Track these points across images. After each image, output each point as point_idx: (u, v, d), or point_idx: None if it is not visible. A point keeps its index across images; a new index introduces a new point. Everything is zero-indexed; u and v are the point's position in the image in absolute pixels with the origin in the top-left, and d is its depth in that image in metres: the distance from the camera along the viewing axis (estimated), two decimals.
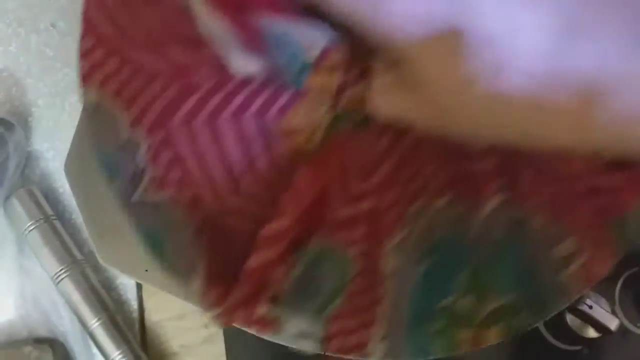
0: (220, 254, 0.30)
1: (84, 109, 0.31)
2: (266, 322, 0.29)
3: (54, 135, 0.49)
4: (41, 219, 0.44)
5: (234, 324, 0.29)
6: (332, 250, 0.31)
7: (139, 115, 0.31)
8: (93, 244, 0.34)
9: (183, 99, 0.31)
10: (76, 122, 0.36)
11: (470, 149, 0.31)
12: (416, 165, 0.31)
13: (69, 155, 0.36)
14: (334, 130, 0.31)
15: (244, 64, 0.30)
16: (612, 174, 0.31)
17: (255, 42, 0.30)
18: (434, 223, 0.31)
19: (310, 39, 0.30)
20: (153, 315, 0.46)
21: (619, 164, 0.32)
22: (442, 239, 0.31)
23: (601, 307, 0.41)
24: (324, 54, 0.30)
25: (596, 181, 0.31)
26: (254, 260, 0.28)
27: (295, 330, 0.30)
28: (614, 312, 0.40)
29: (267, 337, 0.30)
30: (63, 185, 0.48)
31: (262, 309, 0.29)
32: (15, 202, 0.45)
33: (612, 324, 0.39)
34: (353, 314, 0.30)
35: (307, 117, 0.31)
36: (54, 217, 0.46)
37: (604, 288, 0.41)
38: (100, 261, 0.34)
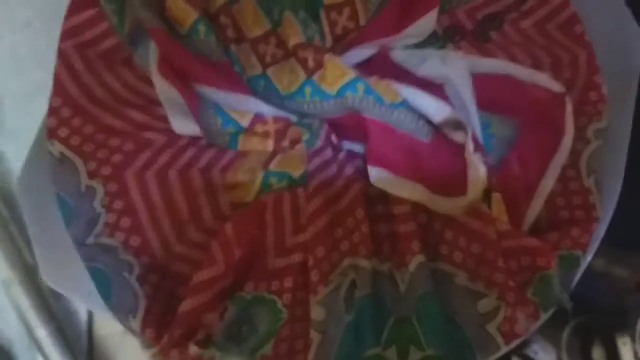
0: (163, 296, 0.33)
1: (51, 157, 0.34)
2: None
3: (17, 137, 0.48)
4: None
5: None
6: (264, 297, 0.33)
7: (97, 167, 0.34)
8: (38, 261, 0.34)
9: (137, 154, 0.34)
10: (39, 126, 0.37)
11: (396, 213, 0.34)
12: (345, 226, 0.34)
13: (23, 172, 0.36)
14: (268, 188, 0.34)
15: (183, 125, 0.34)
16: (531, 239, 0.33)
17: (193, 107, 0.33)
18: (361, 279, 0.33)
19: (242, 107, 0.33)
20: (101, 329, 0.45)
21: (538, 232, 0.34)
22: (367, 293, 0.33)
23: (547, 354, 0.42)
24: (254, 121, 0.33)
25: (517, 243, 0.33)
26: (186, 305, 0.31)
27: None
28: (559, 359, 0.41)
29: None
30: None
31: (194, 350, 0.31)
32: None
33: None
34: (282, 358, 0.32)
35: (246, 174, 0.34)
36: (9, 220, 0.45)
37: (551, 334, 0.42)
38: (44, 279, 0.34)
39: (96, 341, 0.45)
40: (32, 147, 0.37)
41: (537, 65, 0.37)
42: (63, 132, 0.34)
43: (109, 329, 0.45)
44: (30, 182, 0.36)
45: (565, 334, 0.43)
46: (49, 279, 0.34)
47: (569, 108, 0.36)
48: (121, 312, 0.32)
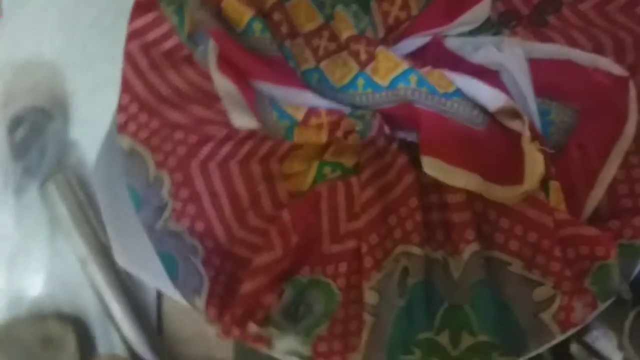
0: (224, 277, 0.35)
1: (121, 149, 0.37)
2: (259, 339, 0.33)
3: (90, 126, 0.50)
4: (74, 204, 0.47)
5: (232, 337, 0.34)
6: (320, 281, 0.35)
7: (163, 159, 0.37)
8: (111, 243, 0.37)
9: (200, 147, 0.37)
10: (110, 116, 0.39)
11: (450, 202, 0.34)
12: (399, 214, 0.35)
13: (97, 162, 0.40)
14: (322, 177, 0.35)
15: (241, 119, 0.36)
16: (590, 228, 0.32)
17: (251, 101, 0.35)
18: (413, 266, 0.34)
19: (296, 101, 0.35)
20: (170, 302, 0.46)
21: (599, 220, 0.33)
22: (420, 280, 0.34)
23: (608, 340, 0.41)
24: (308, 114, 0.35)
25: (575, 232, 0.33)
26: (246, 287, 0.33)
27: (285, 348, 0.34)
28: (620, 346, 0.40)
29: (262, 350, 0.34)
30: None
31: (253, 328, 0.33)
32: (51, 187, 0.47)
33: (616, 357, 0.39)
34: (337, 338, 0.34)
35: (301, 164, 0.36)
36: (85, 204, 0.47)
37: (613, 321, 0.41)
38: (117, 261, 0.37)
39: (165, 313, 0.48)
40: (105, 139, 0.40)
41: (598, 49, 0.36)
42: (132, 127, 0.37)
43: (177, 304, 0.45)
44: (104, 171, 0.39)
45: (629, 321, 0.41)
46: (120, 259, 0.37)
47: (632, 93, 0.34)
48: (187, 291, 0.34)
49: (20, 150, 0.50)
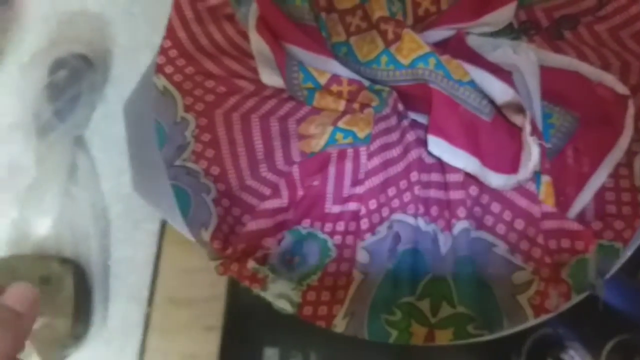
0: (231, 219, 0.38)
1: (156, 89, 0.40)
2: (255, 279, 0.35)
3: (121, 86, 0.53)
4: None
5: (230, 274, 0.36)
6: (317, 235, 0.37)
7: (192, 102, 0.39)
8: (131, 174, 0.39)
9: (227, 97, 0.40)
10: (146, 68, 0.41)
11: (448, 181, 0.37)
12: (399, 186, 0.37)
13: (129, 98, 0.41)
14: (334, 142, 0.38)
15: (269, 77, 0.39)
16: (573, 223, 0.35)
17: (281, 62, 0.38)
18: (406, 234, 0.36)
19: (322, 67, 0.38)
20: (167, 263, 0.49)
21: (584, 222, 0.36)
22: (410, 248, 0.36)
23: None
24: (330, 81, 0.38)
25: (559, 225, 0.35)
26: (251, 226, 0.36)
27: (278, 291, 0.36)
28: None
29: (255, 291, 0.36)
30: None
31: (251, 264, 0.35)
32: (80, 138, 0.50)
33: None
34: (326, 289, 0.36)
35: (317, 128, 0.38)
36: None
37: (593, 345, 0.43)
38: (134, 190, 0.39)
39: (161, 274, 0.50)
40: (139, 81, 0.42)
41: (605, 67, 0.39)
42: (169, 69, 0.40)
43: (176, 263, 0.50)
44: (134, 110, 0.41)
45: (607, 349, 0.43)
46: (137, 190, 0.39)
47: (630, 110, 0.37)
48: (195, 225, 0.36)
49: (55, 93, 0.52)
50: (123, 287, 0.51)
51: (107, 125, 0.54)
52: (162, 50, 0.40)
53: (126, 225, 0.52)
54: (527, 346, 0.44)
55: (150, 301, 0.49)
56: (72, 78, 0.52)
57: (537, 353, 0.44)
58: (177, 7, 0.41)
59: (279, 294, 0.36)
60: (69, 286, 0.48)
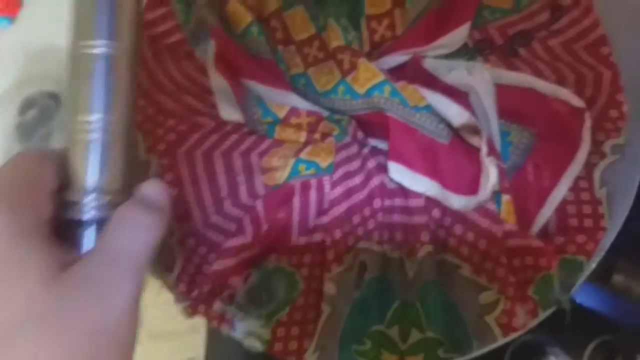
0: (196, 259, 0.38)
1: None
2: (223, 319, 0.36)
3: None
4: None
5: (197, 316, 0.36)
6: (285, 269, 0.37)
7: (154, 143, 0.39)
8: None
9: (188, 135, 0.40)
10: None
11: (411, 206, 0.37)
12: (362, 214, 0.38)
13: None
14: (297, 173, 0.38)
15: (229, 113, 0.39)
16: (535, 240, 0.35)
17: (240, 97, 0.38)
18: (371, 262, 0.36)
19: (281, 101, 0.38)
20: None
21: (546, 236, 0.36)
22: (376, 276, 0.36)
23: None
24: (289, 114, 0.38)
25: (522, 243, 0.36)
26: (216, 266, 0.36)
27: (247, 330, 0.36)
28: None
29: (224, 331, 0.36)
30: None
31: (218, 305, 0.35)
32: None
33: None
34: (295, 324, 0.36)
35: (279, 160, 0.39)
36: None
37: (574, 350, 0.43)
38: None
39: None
40: None
41: (560, 81, 0.39)
42: None
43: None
44: None
45: (588, 351, 0.43)
46: None
47: (587, 123, 0.37)
48: (159, 268, 0.36)
49: (26, 133, 0.52)
50: None
51: None
52: None
53: None
54: (508, 355, 0.44)
55: None
56: (43, 117, 0.52)
57: None
58: None
59: (248, 332, 0.36)
60: None
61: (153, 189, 0.26)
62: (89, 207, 0.25)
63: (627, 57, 0.40)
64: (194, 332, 0.48)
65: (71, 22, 0.28)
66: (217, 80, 0.40)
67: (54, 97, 0.53)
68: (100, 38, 0.27)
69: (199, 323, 0.48)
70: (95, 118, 0.26)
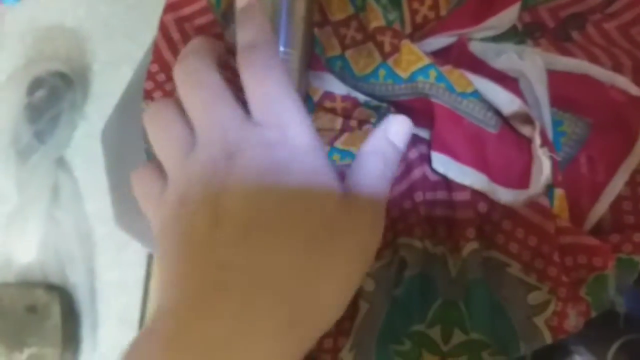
0: None
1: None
2: None
3: (101, 101, 0.52)
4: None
5: None
6: None
7: None
8: (112, 207, 0.38)
9: None
10: (124, 88, 0.40)
11: (455, 199, 0.35)
12: (403, 207, 0.36)
13: (107, 124, 0.40)
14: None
15: None
16: (590, 238, 0.33)
17: None
18: (412, 258, 0.34)
19: (316, 84, 0.36)
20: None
21: (600, 233, 0.34)
22: (417, 273, 0.35)
23: None
24: (323, 97, 0.36)
25: (575, 240, 0.33)
26: None
27: None
28: None
29: None
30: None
31: None
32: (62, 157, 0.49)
33: None
34: None
35: None
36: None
37: (598, 348, 0.41)
38: (116, 223, 0.38)
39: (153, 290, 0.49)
40: (116, 106, 0.40)
41: (617, 68, 0.37)
42: (157, 94, 0.38)
43: None
44: (113, 136, 0.40)
45: (612, 351, 0.42)
46: (120, 223, 0.38)
47: None
48: None
49: (34, 113, 0.51)
50: (112, 311, 0.50)
51: (89, 145, 0.53)
52: (150, 75, 0.38)
53: (113, 247, 0.51)
54: (530, 354, 0.43)
55: (142, 324, 0.49)
56: (52, 97, 0.51)
57: None
58: (163, 29, 0.39)
59: None
60: (56, 314, 0.47)
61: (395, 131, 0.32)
62: None
63: None
64: None
65: None
66: None
67: (64, 77, 0.52)
68: None
69: None
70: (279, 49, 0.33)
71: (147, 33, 0.40)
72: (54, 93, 0.51)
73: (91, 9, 0.55)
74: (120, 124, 0.39)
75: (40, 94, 0.51)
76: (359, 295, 0.34)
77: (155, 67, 0.39)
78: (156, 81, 0.38)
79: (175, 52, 0.39)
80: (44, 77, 0.51)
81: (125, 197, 0.38)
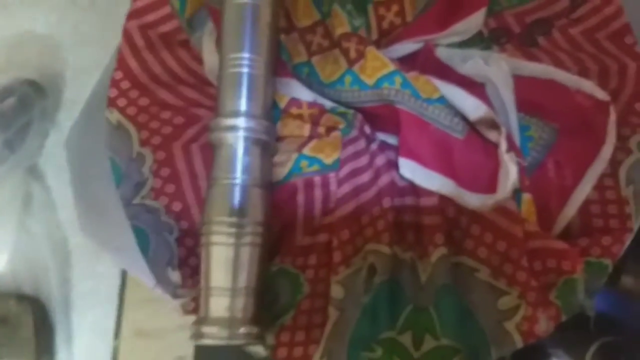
0: (194, 260, 0.35)
1: (108, 124, 0.37)
2: None
3: (74, 108, 0.50)
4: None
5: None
6: (289, 271, 0.35)
7: (148, 136, 0.37)
8: (77, 215, 0.37)
9: (186, 128, 0.37)
10: (89, 94, 0.39)
11: (423, 205, 0.35)
12: (371, 213, 0.35)
13: (71, 132, 0.39)
14: (298, 170, 0.36)
15: None
16: (558, 242, 0.33)
17: None
18: (381, 265, 0.34)
19: (283, 91, 0.36)
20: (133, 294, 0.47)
21: (570, 237, 0.34)
22: (386, 279, 0.34)
23: None
24: (290, 104, 0.35)
25: (544, 244, 0.33)
26: None
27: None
28: None
29: None
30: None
31: None
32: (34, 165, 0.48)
33: None
34: (300, 329, 0.34)
35: (282, 155, 0.36)
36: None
37: (576, 351, 0.41)
38: (81, 231, 0.37)
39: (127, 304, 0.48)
40: (81, 113, 0.40)
41: (583, 73, 0.37)
42: (122, 102, 0.38)
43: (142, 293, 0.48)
44: (77, 144, 0.39)
45: (590, 353, 0.42)
46: (85, 231, 0.37)
47: (612, 117, 0.35)
48: (159, 265, 0.34)
49: (4, 122, 0.49)
50: (87, 322, 0.49)
51: (62, 152, 0.51)
52: (113, 82, 0.38)
53: (87, 257, 0.50)
54: (508, 357, 0.43)
55: (117, 334, 0.47)
56: (21, 106, 0.50)
57: None
58: (127, 36, 0.38)
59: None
60: (28, 325, 0.46)
61: None
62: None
63: None
64: (183, 330, 0.46)
65: None
66: (216, 64, 0.37)
67: (34, 85, 0.51)
68: None
69: (189, 321, 0.46)
70: (244, 55, 0.33)
71: (117, 39, 0.39)
72: (23, 102, 0.50)
73: (62, 15, 0.55)
74: (85, 131, 0.39)
75: (9, 102, 0.50)
76: (327, 302, 0.34)
77: (119, 75, 0.38)
78: (120, 89, 0.38)
79: (139, 59, 0.38)
80: (14, 85, 0.50)
81: (90, 204, 0.38)
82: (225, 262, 0.32)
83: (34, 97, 0.50)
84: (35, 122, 0.50)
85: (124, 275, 0.49)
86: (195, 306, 0.34)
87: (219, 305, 0.32)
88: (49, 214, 0.50)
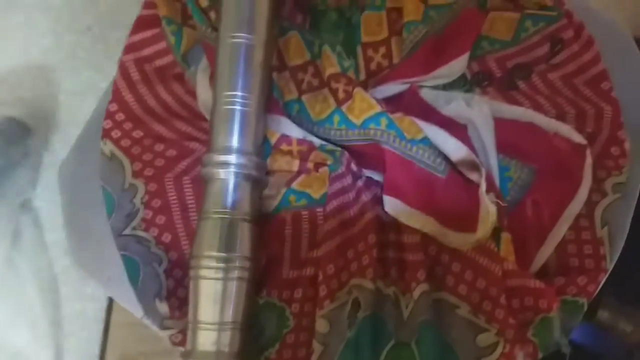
0: (182, 291, 0.36)
1: (102, 154, 0.38)
2: None
3: (67, 130, 0.52)
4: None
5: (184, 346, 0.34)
6: (275, 304, 0.36)
7: (141, 168, 0.38)
8: (68, 243, 0.38)
9: (178, 161, 0.38)
10: (86, 122, 0.40)
11: (406, 242, 0.36)
12: (356, 249, 0.36)
13: (64, 162, 0.40)
14: (287, 203, 0.37)
15: None
16: (535, 281, 0.34)
17: None
18: (364, 299, 0.35)
19: (274, 127, 0.37)
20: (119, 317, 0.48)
21: (546, 276, 0.35)
22: (370, 314, 0.35)
23: None
24: (280, 140, 0.37)
25: (522, 283, 0.35)
26: None
27: None
28: None
29: None
30: None
31: None
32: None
33: None
34: None
35: (271, 189, 0.37)
36: None
37: None
38: (72, 259, 0.38)
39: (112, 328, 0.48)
40: (76, 141, 0.41)
41: (561, 116, 0.39)
42: (116, 134, 0.39)
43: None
44: (70, 172, 0.40)
45: None
46: (75, 259, 0.38)
47: (588, 160, 0.37)
48: (147, 295, 0.35)
49: None
50: (73, 345, 0.49)
51: (52, 175, 0.52)
52: (108, 114, 0.39)
53: (74, 279, 0.51)
54: None
55: (102, 358, 0.47)
56: (7, 145, 0.50)
57: None
58: (123, 69, 0.40)
59: None
60: None
61: None
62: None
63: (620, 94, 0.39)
64: (168, 354, 0.47)
65: (220, 17, 0.36)
66: (209, 99, 0.38)
67: (20, 124, 0.51)
68: (242, 32, 0.35)
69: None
70: (237, 93, 0.35)
71: (112, 64, 0.40)
72: (9, 141, 0.50)
73: (56, 39, 0.55)
74: (78, 161, 0.39)
75: None
76: (312, 336, 0.34)
77: (114, 107, 0.39)
78: (115, 120, 0.39)
79: (134, 92, 0.39)
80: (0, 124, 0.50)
81: (81, 233, 0.38)
82: (214, 296, 0.32)
83: (20, 136, 0.50)
84: (23, 160, 0.50)
85: (110, 299, 0.49)
86: (183, 338, 0.34)
87: (206, 339, 0.32)
88: (37, 250, 0.51)
